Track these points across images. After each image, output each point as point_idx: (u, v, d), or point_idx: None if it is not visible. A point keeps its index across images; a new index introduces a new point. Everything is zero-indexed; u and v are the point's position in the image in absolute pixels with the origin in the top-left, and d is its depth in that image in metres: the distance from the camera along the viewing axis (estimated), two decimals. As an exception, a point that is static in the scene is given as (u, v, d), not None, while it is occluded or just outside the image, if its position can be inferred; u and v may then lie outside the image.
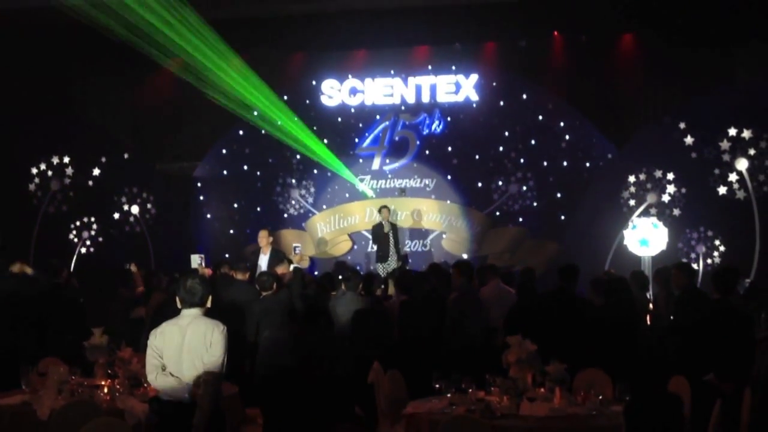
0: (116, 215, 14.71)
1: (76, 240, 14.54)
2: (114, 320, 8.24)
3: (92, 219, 14.65)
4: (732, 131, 12.61)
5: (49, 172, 14.59)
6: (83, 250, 14.54)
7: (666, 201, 13.03)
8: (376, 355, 6.84)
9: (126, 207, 14.69)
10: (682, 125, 12.92)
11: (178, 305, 4.84)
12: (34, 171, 14.56)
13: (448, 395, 5.69)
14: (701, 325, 6.69)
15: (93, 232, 14.64)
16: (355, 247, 14.87)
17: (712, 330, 6.51)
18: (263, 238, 11.30)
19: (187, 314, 4.80)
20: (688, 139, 12.85)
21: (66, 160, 14.58)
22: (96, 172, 14.66)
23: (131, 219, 14.72)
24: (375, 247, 13.35)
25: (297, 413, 4.60)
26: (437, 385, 5.78)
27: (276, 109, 14.43)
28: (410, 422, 5.56)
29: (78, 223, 14.62)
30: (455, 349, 7.37)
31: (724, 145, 12.64)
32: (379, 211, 13.31)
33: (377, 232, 13.15)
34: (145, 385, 5.75)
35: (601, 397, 5.54)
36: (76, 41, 13.51)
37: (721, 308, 6.63)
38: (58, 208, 14.57)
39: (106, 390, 5.84)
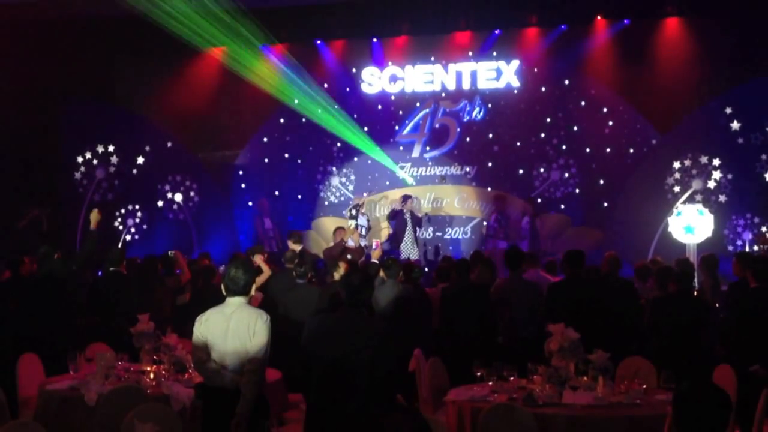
0: (160, 203, 14.92)
1: (121, 227, 14.78)
2: (160, 307, 8.34)
3: (137, 207, 14.88)
4: (780, 116, 12.40)
5: (95, 161, 14.84)
6: (128, 237, 14.77)
7: (712, 187, 12.83)
8: (417, 343, 6.85)
9: (169, 195, 14.89)
10: (728, 110, 12.70)
11: (223, 292, 4.89)
12: (80, 159, 14.81)
13: (490, 383, 5.68)
14: (744, 315, 6.58)
15: (137, 220, 14.87)
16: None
17: (753, 319, 6.41)
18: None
19: (231, 302, 4.84)
20: (735, 125, 12.64)
21: (111, 149, 14.82)
22: (140, 160, 14.88)
23: (175, 207, 14.91)
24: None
25: (341, 400, 4.61)
26: (478, 373, 5.77)
27: (316, 97, 14.50)
28: (452, 409, 5.55)
29: (123, 211, 14.85)
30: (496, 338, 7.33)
31: (772, 130, 12.43)
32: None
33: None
34: (190, 371, 5.84)
35: (645, 386, 5.48)
36: (119, 30, 13.69)
37: (760, 297, 6.51)
38: (103, 196, 14.81)
39: (152, 375, 5.94)
